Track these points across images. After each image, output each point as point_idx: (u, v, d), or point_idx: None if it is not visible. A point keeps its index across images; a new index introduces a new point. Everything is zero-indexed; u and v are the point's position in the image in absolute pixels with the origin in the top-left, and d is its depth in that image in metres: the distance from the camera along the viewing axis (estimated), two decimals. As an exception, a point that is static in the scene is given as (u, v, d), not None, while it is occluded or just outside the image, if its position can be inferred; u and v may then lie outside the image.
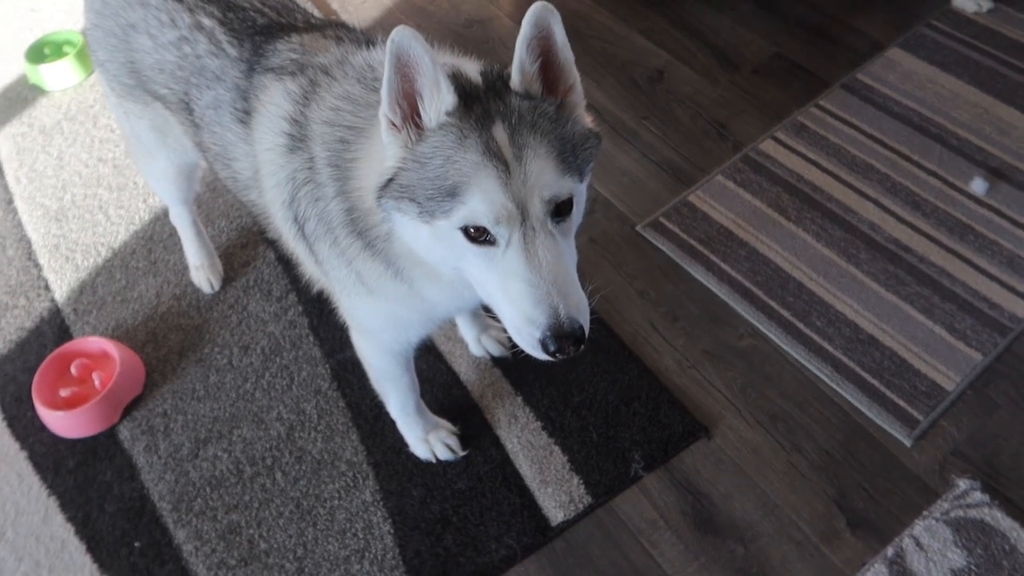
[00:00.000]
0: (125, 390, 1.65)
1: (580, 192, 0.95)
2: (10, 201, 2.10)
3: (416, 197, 0.91)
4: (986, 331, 1.62)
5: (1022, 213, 1.79)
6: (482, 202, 0.88)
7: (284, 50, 1.21)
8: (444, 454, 1.52)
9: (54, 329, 1.80)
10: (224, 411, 1.63)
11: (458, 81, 0.92)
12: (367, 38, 1.21)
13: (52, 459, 1.60)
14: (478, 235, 0.90)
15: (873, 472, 1.47)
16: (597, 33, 2.31)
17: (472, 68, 1.00)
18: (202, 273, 1.82)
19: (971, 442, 1.49)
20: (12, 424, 1.67)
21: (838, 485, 1.46)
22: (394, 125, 0.92)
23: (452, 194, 0.89)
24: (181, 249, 1.88)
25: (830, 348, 1.62)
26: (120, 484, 1.55)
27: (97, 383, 1.65)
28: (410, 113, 0.92)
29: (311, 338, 1.72)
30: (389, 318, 1.23)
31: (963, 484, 1.43)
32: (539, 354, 0.91)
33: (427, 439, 1.52)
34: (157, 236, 1.95)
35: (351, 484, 1.50)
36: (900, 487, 1.45)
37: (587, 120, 0.98)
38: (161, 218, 1.97)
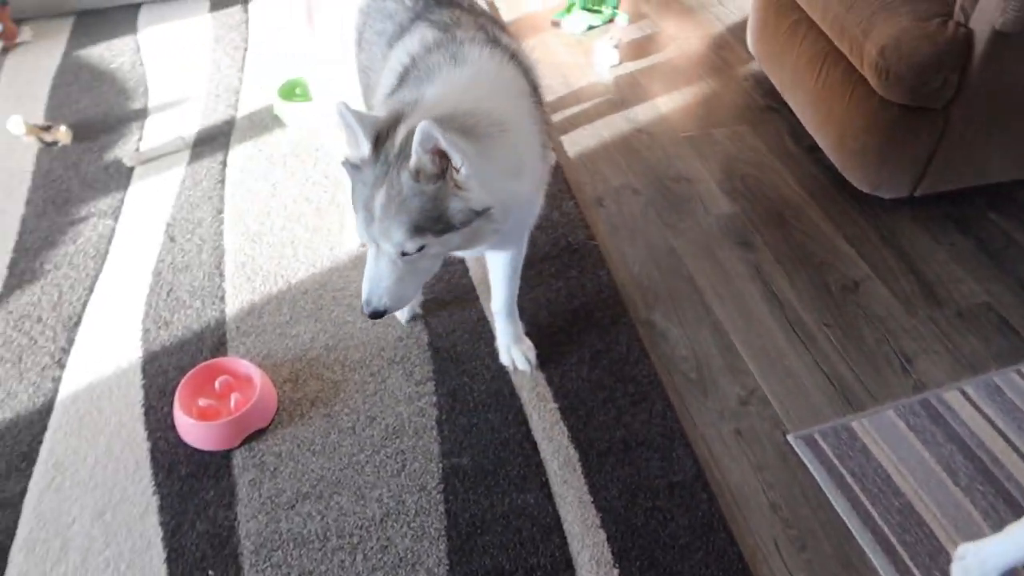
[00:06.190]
0: (254, 420, 1.71)
1: (436, 243, 1.24)
2: (220, 211, 2.29)
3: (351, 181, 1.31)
4: None
5: None
6: (357, 225, 1.28)
7: (445, 13, 1.51)
8: (523, 365, 1.83)
9: (215, 340, 1.92)
10: (332, 473, 1.65)
11: (387, 133, 1.22)
12: (493, 37, 1.44)
13: (169, 459, 1.68)
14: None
15: None
16: (801, 226, 2.27)
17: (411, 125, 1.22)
18: None
19: None
20: (148, 413, 1.77)
21: None
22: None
23: (352, 203, 1.29)
24: (346, 302, 1.98)
25: (970, 646, 1.43)
26: (217, 508, 1.59)
27: (232, 404, 1.72)
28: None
29: (434, 432, 1.72)
30: None
31: None
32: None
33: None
34: (331, 285, 2.05)
35: (424, 595, 1.47)
36: None
37: (479, 197, 1.22)
38: (340, 269, 2.08)
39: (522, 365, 1.84)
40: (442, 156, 1.17)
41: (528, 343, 1.87)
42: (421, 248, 1.24)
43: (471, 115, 1.25)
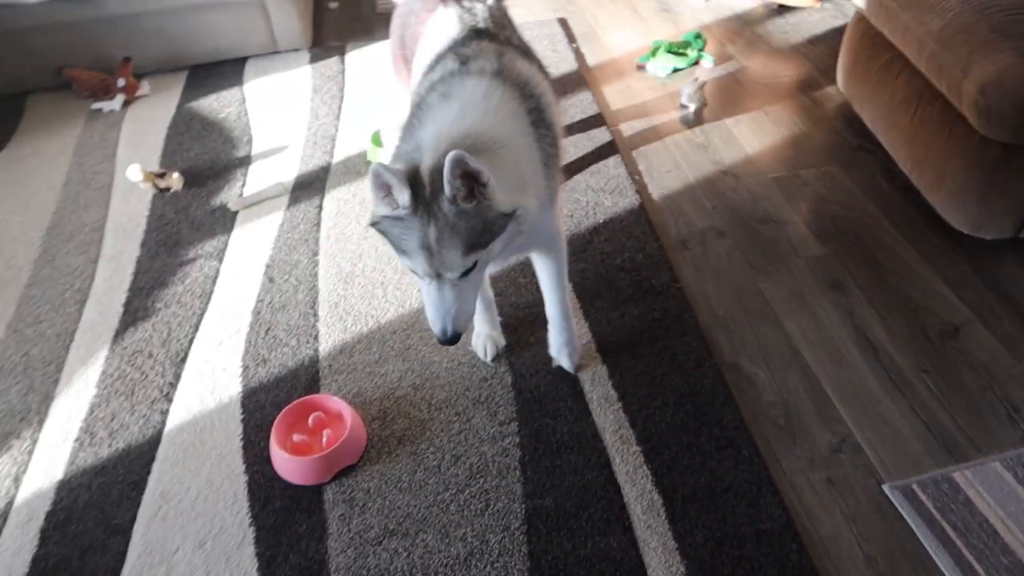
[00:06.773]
0: (344, 456, 1.77)
1: (486, 253, 1.36)
2: (316, 253, 2.40)
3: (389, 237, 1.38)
4: None
5: None
6: (417, 267, 1.36)
7: (474, 45, 1.65)
8: (567, 365, 1.93)
9: (308, 377, 2.00)
10: (418, 510, 1.68)
11: (415, 181, 1.31)
12: (500, 68, 1.54)
13: (265, 492, 1.75)
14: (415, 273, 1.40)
15: None
16: (896, 269, 2.20)
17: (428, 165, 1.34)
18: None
19: None
20: (246, 447, 1.85)
21: None
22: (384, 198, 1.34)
23: (403, 252, 1.36)
24: (433, 342, 2.03)
25: None
26: (309, 541, 1.64)
27: (324, 440, 1.79)
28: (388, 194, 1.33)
29: (517, 472, 1.74)
30: None
31: None
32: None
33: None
34: (418, 326, 2.11)
35: (506, 637, 1.47)
36: None
37: (505, 201, 1.34)
38: (428, 310, 2.14)
39: (566, 365, 1.95)
40: (469, 177, 1.28)
41: (576, 347, 1.95)
42: (475, 264, 1.36)
43: (470, 137, 1.37)
